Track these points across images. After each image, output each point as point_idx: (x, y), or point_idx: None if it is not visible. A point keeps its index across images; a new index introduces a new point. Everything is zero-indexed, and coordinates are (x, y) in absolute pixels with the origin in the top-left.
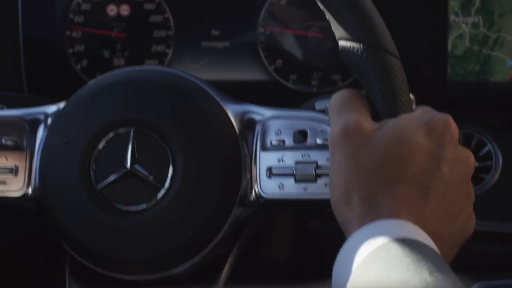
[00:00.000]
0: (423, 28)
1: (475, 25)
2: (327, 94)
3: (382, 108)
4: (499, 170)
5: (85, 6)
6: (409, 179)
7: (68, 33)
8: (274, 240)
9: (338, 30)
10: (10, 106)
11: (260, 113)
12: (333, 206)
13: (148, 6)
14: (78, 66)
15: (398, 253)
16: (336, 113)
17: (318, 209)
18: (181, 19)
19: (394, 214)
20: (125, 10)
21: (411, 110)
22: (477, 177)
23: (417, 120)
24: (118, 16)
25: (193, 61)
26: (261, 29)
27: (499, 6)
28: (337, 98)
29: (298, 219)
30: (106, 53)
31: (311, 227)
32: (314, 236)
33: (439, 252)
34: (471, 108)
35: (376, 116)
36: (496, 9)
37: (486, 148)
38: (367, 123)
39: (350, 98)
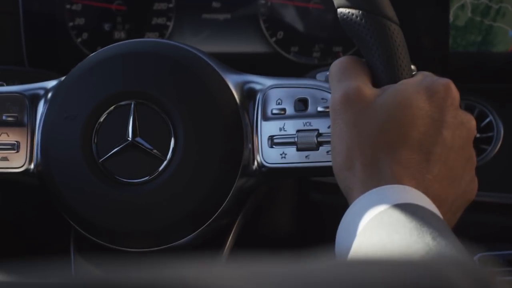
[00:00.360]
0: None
1: None
2: (328, 66)
3: (383, 74)
4: (501, 141)
5: None
6: (410, 144)
7: (68, 6)
8: (276, 212)
9: None
10: (11, 79)
11: (261, 82)
12: (335, 173)
13: None
14: (79, 39)
15: (400, 218)
16: (336, 80)
17: (321, 177)
18: None
19: (396, 179)
20: None
21: (411, 75)
22: (478, 148)
23: (418, 85)
24: None
25: (194, 34)
26: (262, 1)
27: None
28: (337, 65)
29: (300, 192)
30: (106, 26)
31: (313, 199)
32: (316, 208)
33: (442, 217)
34: (473, 79)
35: (377, 83)
36: None
37: (488, 119)
38: (368, 89)
39: (350, 65)
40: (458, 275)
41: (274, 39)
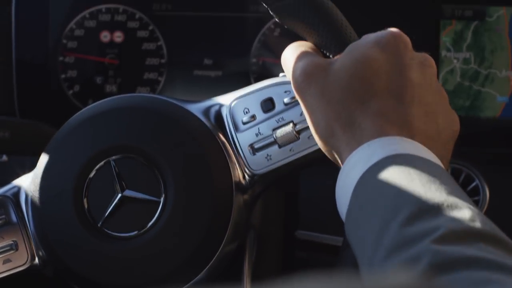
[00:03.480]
0: None
1: (466, 61)
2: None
3: (332, 45)
4: (486, 205)
5: (78, 32)
6: (379, 93)
7: (61, 58)
8: (262, 269)
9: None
10: (1, 130)
11: (221, 102)
12: (321, 146)
13: (142, 33)
14: (71, 91)
15: (390, 168)
16: (290, 64)
17: (311, 164)
18: (174, 47)
19: (378, 130)
20: (118, 37)
21: (358, 38)
22: None
23: (368, 41)
24: (111, 42)
25: (185, 89)
26: (254, 59)
27: (490, 42)
28: (287, 51)
29: (286, 250)
30: (98, 79)
31: (299, 257)
32: (301, 266)
33: (434, 159)
34: (460, 143)
35: (328, 55)
36: (487, 46)
37: (474, 183)
38: (323, 60)
39: (298, 47)
40: None
41: None
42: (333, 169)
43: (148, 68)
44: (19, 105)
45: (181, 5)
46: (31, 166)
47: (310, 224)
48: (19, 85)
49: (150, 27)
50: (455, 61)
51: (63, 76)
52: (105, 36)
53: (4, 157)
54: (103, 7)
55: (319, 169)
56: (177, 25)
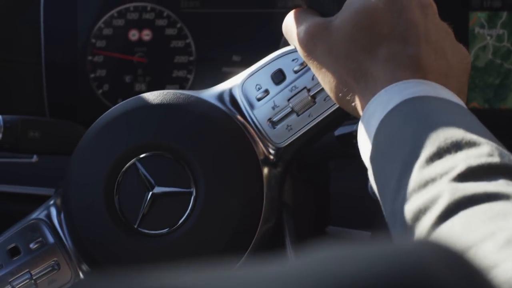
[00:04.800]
0: None
1: (499, 38)
2: (349, 120)
3: (329, 3)
4: None
5: (107, 31)
6: (385, 39)
7: (90, 57)
8: None
9: None
10: (32, 129)
11: (232, 84)
12: (338, 103)
13: (170, 31)
14: (100, 91)
15: (408, 111)
16: (293, 30)
17: (334, 126)
18: (202, 44)
19: (390, 75)
20: (146, 35)
21: None
22: None
23: None
24: (140, 41)
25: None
26: None
27: None
28: (287, 20)
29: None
30: (127, 78)
31: None
32: None
33: (449, 91)
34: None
35: (328, 15)
36: None
37: None
38: (324, 20)
39: (297, 14)
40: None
41: None
42: (363, 165)
43: (177, 66)
44: (49, 105)
45: (209, 2)
46: (61, 167)
47: (341, 219)
48: (49, 85)
49: (178, 25)
50: (488, 37)
51: (92, 75)
52: (133, 35)
53: (35, 158)
54: (131, 5)
55: (349, 165)
56: (205, 22)
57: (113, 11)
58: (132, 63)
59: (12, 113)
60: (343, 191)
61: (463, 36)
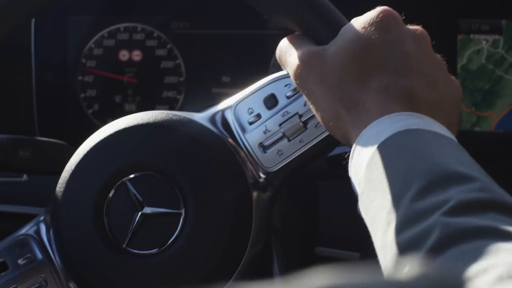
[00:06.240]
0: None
1: (495, 43)
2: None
3: (323, 32)
4: None
5: (97, 51)
6: (377, 70)
7: (80, 77)
8: None
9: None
10: (21, 148)
11: (224, 106)
12: (329, 131)
13: (160, 52)
14: (90, 110)
15: (399, 144)
16: (287, 57)
17: (324, 153)
18: (192, 65)
19: (381, 106)
20: (137, 55)
21: (348, 22)
22: None
23: (359, 22)
24: (130, 61)
25: (204, 107)
26: None
27: None
28: (282, 45)
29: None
30: (117, 98)
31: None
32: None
33: (440, 124)
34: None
35: (322, 43)
36: None
37: None
38: (317, 48)
39: (292, 40)
40: None
41: None
42: (352, 185)
43: (167, 86)
44: (39, 124)
45: (199, 23)
46: (52, 186)
47: (330, 240)
48: (39, 105)
49: (168, 45)
50: (484, 42)
51: (82, 95)
52: (123, 55)
53: (25, 177)
54: (121, 26)
55: (338, 186)
56: (195, 43)
57: (104, 31)
58: (122, 83)
59: (2, 132)
60: (332, 211)
61: (451, 62)
